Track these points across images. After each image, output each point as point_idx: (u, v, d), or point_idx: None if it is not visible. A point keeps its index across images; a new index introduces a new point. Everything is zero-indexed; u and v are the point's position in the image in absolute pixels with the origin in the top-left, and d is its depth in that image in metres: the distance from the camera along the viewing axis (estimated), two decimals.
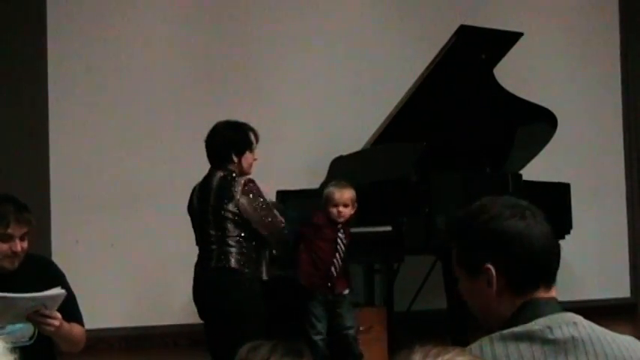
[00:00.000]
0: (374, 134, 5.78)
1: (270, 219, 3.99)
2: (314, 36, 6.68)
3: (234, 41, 6.50)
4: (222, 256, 3.96)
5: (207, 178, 4.08)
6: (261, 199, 3.96)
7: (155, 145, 6.26)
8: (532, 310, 1.51)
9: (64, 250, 5.86)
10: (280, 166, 6.25)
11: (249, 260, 3.97)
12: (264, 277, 4.05)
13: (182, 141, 6.30)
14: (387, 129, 5.65)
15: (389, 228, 4.96)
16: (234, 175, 3.99)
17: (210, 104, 6.36)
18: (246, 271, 3.95)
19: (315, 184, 5.57)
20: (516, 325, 1.49)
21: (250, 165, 4.09)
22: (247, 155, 4.06)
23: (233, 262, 3.94)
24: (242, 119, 4.28)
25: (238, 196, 3.92)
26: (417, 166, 5.21)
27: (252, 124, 4.24)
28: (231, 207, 3.93)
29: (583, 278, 6.83)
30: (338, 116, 6.57)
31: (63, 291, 2.91)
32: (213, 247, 4.00)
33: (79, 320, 3.22)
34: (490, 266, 1.56)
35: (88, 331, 3.24)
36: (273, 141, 6.42)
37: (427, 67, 5.54)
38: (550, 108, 5.79)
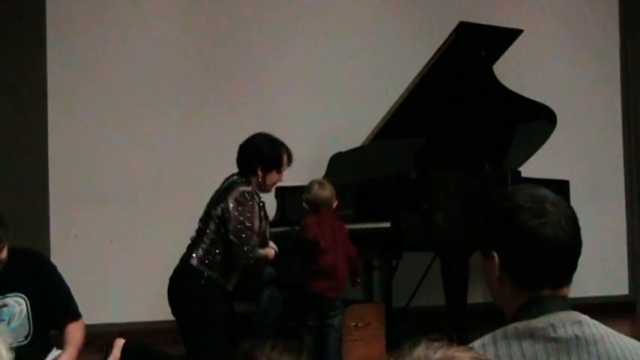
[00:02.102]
0: (373, 130, 5.78)
1: (244, 235, 3.89)
2: (313, 32, 6.67)
3: (233, 38, 6.49)
4: (190, 251, 3.97)
5: (223, 182, 4.10)
6: (248, 214, 3.89)
7: (155, 140, 6.26)
8: (537, 307, 1.49)
9: (63, 245, 5.86)
10: None
11: (213, 263, 3.93)
12: (229, 288, 3.99)
13: (182, 136, 6.30)
14: (387, 125, 5.65)
15: (388, 224, 4.96)
16: (241, 182, 3.99)
17: (210, 101, 6.36)
18: (206, 272, 3.90)
19: None
20: (521, 320, 1.48)
21: (273, 184, 4.10)
22: (273, 174, 4.05)
23: (195, 260, 3.92)
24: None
25: (228, 199, 3.90)
26: (417, 162, 5.21)
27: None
28: (219, 208, 3.94)
29: (581, 276, 6.77)
30: (337, 112, 6.57)
31: (58, 351, 2.93)
32: (191, 240, 4.03)
33: (75, 315, 3.22)
34: (495, 254, 1.55)
35: (86, 326, 3.25)
36: None
37: (427, 64, 5.54)
38: (549, 105, 5.79)
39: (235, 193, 3.92)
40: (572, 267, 1.54)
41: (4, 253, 2.95)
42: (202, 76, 6.39)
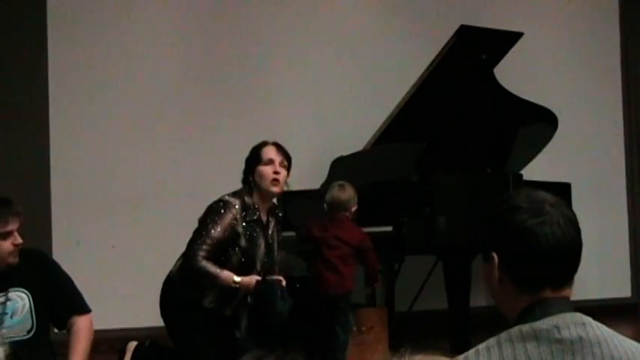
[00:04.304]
0: (375, 134, 5.78)
1: (195, 233, 3.78)
2: (315, 37, 6.68)
3: (235, 44, 6.50)
4: (175, 265, 3.96)
5: None
6: (210, 217, 3.77)
7: (157, 146, 6.26)
8: (540, 309, 1.49)
9: (65, 251, 5.85)
10: None
11: (185, 276, 3.85)
12: (206, 304, 3.84)
13: (184, 142, 6.30)
14: (388, 129, 5.65)
15: (389, 228, 4.96)
16: (231, 192, 3.94)
17: (212, 106, 6.37)
18: (180, 283, 3.86)
19: (315, 184, 5.57)
20: (524, 323, 1.48)
21: (265, 177, 3.91)
22: (259, 169, 3.94)
23: (175, 273, 3.91)
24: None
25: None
26: (418, 166, 5.21)
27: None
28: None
29: (584, 278, 6.80)
30: (338, 116, 6.57)
31: None
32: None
33: (81, 309, 3.25)
34: (494, 255, 1.55)
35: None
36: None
37: (427, 67, 5.54)
38: (550, 108, 5.79)
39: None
40: (572, 268, 1.54)
41: (19, 239, 3.05)
42: (206, 84, 6.39)
